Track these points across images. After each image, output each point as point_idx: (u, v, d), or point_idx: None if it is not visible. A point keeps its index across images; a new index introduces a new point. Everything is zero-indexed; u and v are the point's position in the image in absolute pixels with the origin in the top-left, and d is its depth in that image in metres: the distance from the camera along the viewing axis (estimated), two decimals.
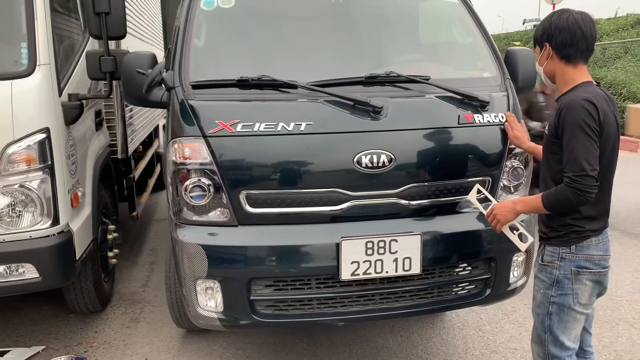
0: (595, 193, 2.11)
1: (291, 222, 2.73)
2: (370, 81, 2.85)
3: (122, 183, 4.97)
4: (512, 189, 3.03)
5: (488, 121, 2.91)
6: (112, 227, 4.31)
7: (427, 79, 2.90)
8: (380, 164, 2.68)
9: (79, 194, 3.55)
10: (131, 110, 4.96)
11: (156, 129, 7.27)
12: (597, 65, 14.76)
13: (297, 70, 2.93)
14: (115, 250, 4.37)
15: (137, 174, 5.43)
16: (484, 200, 2.69)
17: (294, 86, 2.75)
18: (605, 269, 2.30)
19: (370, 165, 2.67)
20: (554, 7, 23.63)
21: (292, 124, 2.66)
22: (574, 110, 2.11)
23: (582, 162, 2.07)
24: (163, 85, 2.84)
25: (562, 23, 2.22)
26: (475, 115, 2.89)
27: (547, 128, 2.28)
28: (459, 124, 2.85)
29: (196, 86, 2.78)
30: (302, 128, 2.66)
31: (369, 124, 2.72)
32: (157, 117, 7.23)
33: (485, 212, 2.53)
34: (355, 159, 2.66)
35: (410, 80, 2.88)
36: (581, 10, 2.27)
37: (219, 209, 2.69)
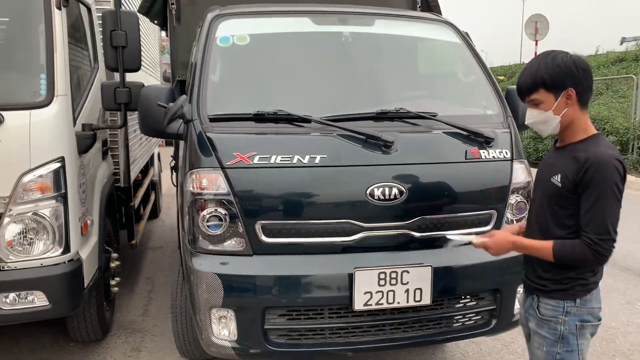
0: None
1: (305, 252, 2.80)
2: (381, 117, 2.97)
3: (122, 211, 5.01)
4: (515, 223, 3.14)
5: (493, 157, 3.03)
6: (114, 255, 4.34)
7: (435, 115, 3.03)
8: (391, 197, 2.78)
9: (89, 222, 3.60)
10: (132, 139, 5.04)
11: (152, 157, 7.35)
12: None
13: (309, 105, 3.05)
14: (117, 279, 4.39)
15: (136, 202, 5.48)
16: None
17: (308, 120, 2.86)
18: (600, 321, 2.20)
19: (382, 197, 2.77)
20: (536, 44, 24.32)
21: (307, 157, 2.76)
22: (606, 171, 1.98)
23: (609, 226, 1.99)
24: (181, 118, 2.93)
25: (584, 65, 2.07)
26: (481, 151, 3.01)
27: (558, 179, 2.10)
28: (466, 159, 2.97)
29: (214, 119, 2.87)
30: (317, 161, 2.76)
31: (381, 158, 2.83)
32: (153, 146, 7.31)
33: (473, 241, 2.39)
34: (368, 191, 2.76)
35: (419, 116, 3.00)
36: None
37: (234, 238, 2.76)
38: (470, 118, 3.19)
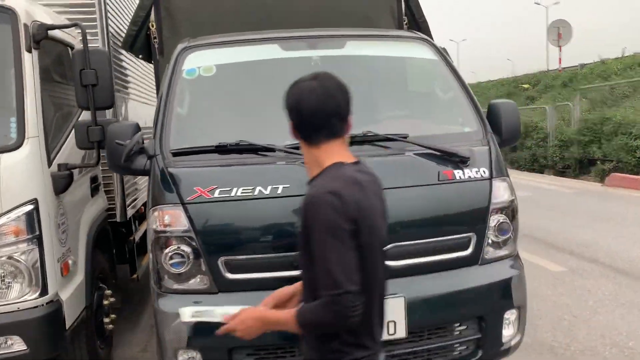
0: (361, 312, 1.62)
1: (272, 287, 2.68)
2: (348, 141, 2.85)
3: (123, 245, 4.99)
4: (500, 244, 2.97)
5: (469, 177, 2.88)
6: (108, 292, 4.30)
7: (405, 137, 2.90)
8: None
9: (70, 262, 3.56)
10: None
11: None
12: (606, 105, 14.73)
13: (275, 133, 2.96)
14: (112, 316, 4.34)
15: (138, 235, 5.45)
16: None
17: (271, 149, 2.77)
18: None
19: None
20: (560, 50, 23.85)
21: (269, 188, 2.67)
22: (315, 211, 1.64)
23: (338, 277, 1.58)
24: (144, 154, 2.88)
25: (315, 100, 1.85)
26: (456, 172, 2.87)
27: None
28: (439, 180, 2.84)
29: (177, 153, 2.81)
30: (279, 191, 2.67)
31: None
32: None
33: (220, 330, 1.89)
34: None
35: (388, 138, 2.88)
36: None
37: (198, 276, 2.67)
38: (446, 137, 3.06)
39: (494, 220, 2.92)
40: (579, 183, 12.93)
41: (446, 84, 3.37)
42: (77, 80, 3.38)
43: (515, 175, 14.07)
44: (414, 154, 2.88)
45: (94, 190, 4.26)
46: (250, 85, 3.23)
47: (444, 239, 2.82)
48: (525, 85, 24.38)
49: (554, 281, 5.77)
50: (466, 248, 2.86)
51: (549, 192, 11.66)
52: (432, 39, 4.57)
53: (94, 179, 4.26)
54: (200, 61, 3.22)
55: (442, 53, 3.45)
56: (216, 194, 2.66)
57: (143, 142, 2.78)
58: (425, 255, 2.79)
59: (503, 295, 2.89)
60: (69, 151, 3.72)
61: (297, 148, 2.74)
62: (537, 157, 15.21)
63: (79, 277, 3.72)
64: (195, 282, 2.68)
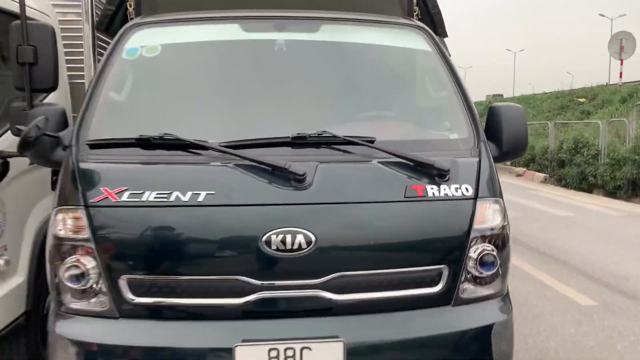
0: None
1: (183, 317, 2.18)
2: (298, 142, 2.32)
3: None
4: (485, 281, 2.37)
5: (445, 194, 2.30)
6: None
7: (372, 141, 2.34)
8: (295, 246, 2.12)
9: (2, 262, 3.15)
10: None
11: None
12: None
13: (217, 127, 2.47)
14: None
15: None
16: None
17: (202, 147, 2.27)
18: None
19: (282, 247, 2.11)
20: (621, 63, 22.50)
21: (188, 194, 2.16)
22: None
23: None
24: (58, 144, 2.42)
25: None
26: (429, 187, 2.29)
27: None
28: (405, 197, 2.26)
29: (94, 145, 2.34)
30: (200, 199, 2.16)
31: (287, 196, 2.19)
32: None
33: None
34: (264, 239, 2.11)
35: (348, 141, 2.32)
36: None
37: (99, 295, 2.19)
38: (427, 144, 2.48)
39: (476, 250, 2.32)
40: (629, 206, 11.86)
41: (438, 80, 2.78)
42: (13, 58, 2.96)
43: (560, 193, 13.31)
44: (379, 162, 2.32)
45: (55, 184, 3.85)
46: (198, 69, 2.73)
47: (406, 270, 2.25)
48: (581, 100, 23.09)
49: (580, 317, 5.02)
50: (435, 284, 2.28)
51: (593, 214, 10.70)
52: (444, 33, 3.97)
53: (55, 172, 3.85)
54: (147, 40, 2.75)
55: (438, 44, 2.86)
56: (124, 198, 2.17)
57: (44, 128, 2.32)
58: (380, 289, 2.23)
59: (480, 348, 2.29)
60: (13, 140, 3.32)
61: (236, 147, 2.24)
62: (586, 175, 14.15)
63: (17, 279, 3.31)
64: (93, 303, 2.20)
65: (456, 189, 2.32)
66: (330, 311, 2.19)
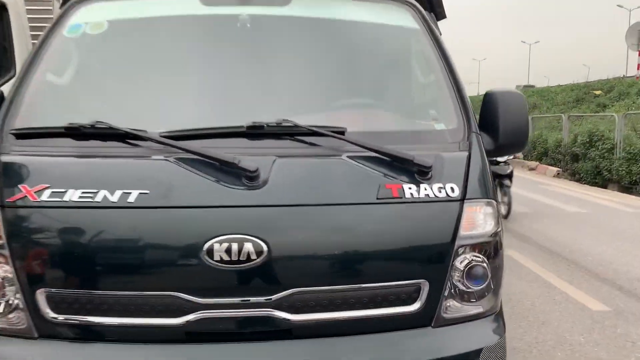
0: None
1: (113, 338, 1.85)
2: (254, 133, 1.97)
3: None
4: (473, 297, 2.00)
5: (426, 195, 1.93)
6: None
7: (342, 132, 1.98)
8: (243, 257, 1.77)
9: None
10: None
11: None
12: None
13: (172, 116, 2.13)
14: None
15: None
16: None
17: (139, 137, 1.92)
18: None
19: (226, 258, 1.76)
20: (639, 55, 21.81)
21: (117, 193, 1.82)
22: None
23: None
24: None
25: None
26: (407, 187, 1.93)
27: None
28: (377, 198, 1.90)
29: (20, 135, 2.01)
30: (130, 199, 1.81)
31: (235, 196, 1.84)
32: None
33: None
34: (205, 248, 1.76)
35: (313, 132, 1.97)
36: None
37: (15, 311, 1.86)
38: (408, 136, 2.12)
39: (462, 261, 1.96)
40: None
41: (425, 63, 2.41)
42: None
43: (573, 188, 12.83)
44: (349, 157, 1.96)
45: None
46: (148, 48, 2.38)
47: (377, 286, 1.89)
48: (597, 92, 22.46)
49: (591, 324, 4.63)
50: (412, 301, 1.93)
51: (607, 210, 10.23)
52: (442, 14, 3.59)
53: None
54: (93, 16, 2.40)
55: (427, 22, 2.48)
56: (44, 197, 1.84)
57: None
58: (346, 308, 1.87)
59: None
60: None
61: (179, 138, 1.89)
62: (601, 170, 13.64)
63: None
64: (11, 320, 1.87)
65: (439, 188, 1.96)
66: (287, 334, 1.84)
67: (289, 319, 1.82)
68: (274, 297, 1.81)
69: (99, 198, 1.82)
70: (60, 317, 1.83)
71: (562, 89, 27.32)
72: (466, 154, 2.08)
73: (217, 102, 2.18)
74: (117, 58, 2.35)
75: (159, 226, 1.82)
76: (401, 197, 1.91)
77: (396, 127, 2.22)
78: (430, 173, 1.97)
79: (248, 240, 1.77)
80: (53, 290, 1.82)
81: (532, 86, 44.84)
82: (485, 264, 1.98)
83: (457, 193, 1.97)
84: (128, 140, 1.95)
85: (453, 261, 1.95)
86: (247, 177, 1.85)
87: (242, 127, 1.96)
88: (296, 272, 1.83)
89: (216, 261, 1.76)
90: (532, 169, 16.66)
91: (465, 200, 1.99)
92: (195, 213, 1.82)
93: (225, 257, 1.76)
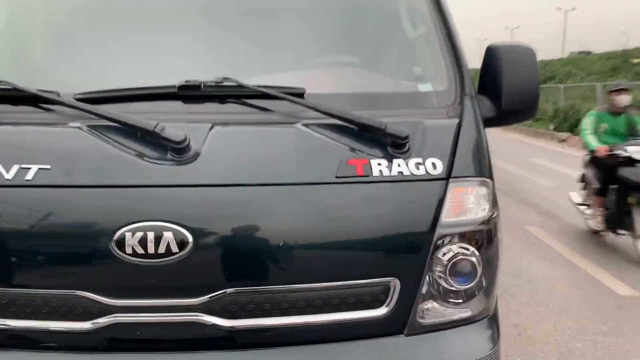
0: None
1: (13, 344, 1.52)
2: (189, 95, 1.59)
3: None
4: (459, 297, 1.61)
5: (399, 173, 1.54)
6: None
7: (300, 94, 1.59)
8: (161, 250, 1.41)
9: None
10: None
11: None
12: None
13: (93, 75, 1.76)
14: None
15: None
16: None
17: (47, 100, 1.57)
18: None
19: (140, 251, 1.40)
20: None
21: (14, 169, 1.47)
22: None
23: None
24: None
25: None
26: (375, 163, 1.54)
27: None
28: (337, 177, 1.51)
29: None
30: (28, 177, 1.46)
31: (155, 174, 1.47)
32: None
33: None
34: (115, 238, 1.41)
35: (263, 94, 1.58)
36: None
37: None
38: (383, 99, 1.71)
39: (445, 253, 1.57)
40: None
41: (412, 10, 1.98)
42: None
43: None
44: (305, 125, 1.57)
45: None
46: None
47: (333, 285, 1.51)
48: (636, 60, 21.32)
49: (616, 311, 4.19)
50: (378, 304, 1.55)
51: None
52: None
53: None
54: None
55: None
56: None
57: None
58: (293, 312, 1.50)
59: None
60: None
61: (94, 101, 1.53)
62: None
63: None
64: None
65: (417, 164, 1.56)
66: (219, 343, 1.49)
67: (221, 326, 1.46)
68: (201, 299, 1.45)
69: None
70: None
71: (599, 57, 26.11)
72: (456, 121, 1.67)
73: (149, 59, 1.80)
74: (31, 11, 1.97)
75: (61, 209, 1.47)
76: (367, 176, 1.52)
77: (369, 88, 1.81)
78: (407, 145, 1.57)
79: (168, 229, 1.41)
80: None
81: (589, 52, 42.32)
82: (475, 257, 1.59)
83: (440, 170, 1.57)
84: (37, 104, 1.60)
85: (433, 254, 1.56)
86: (173, 150, 1.48)
87: (173, 87, 1.58)
88: (230, 268, 1.46)
89: (128, 254, 1.41)
90: (562, 141, 15.90)
91: (450, 179, 1.58)
92: (104, 194, 1.46)
93: (139, 250, 1.40)
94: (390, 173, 1.53)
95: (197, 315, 1.46)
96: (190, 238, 1.41)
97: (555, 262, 5.28)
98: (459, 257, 1.57)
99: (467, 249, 1.59)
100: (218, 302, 1.45)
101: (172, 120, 1.53)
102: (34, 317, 1.47)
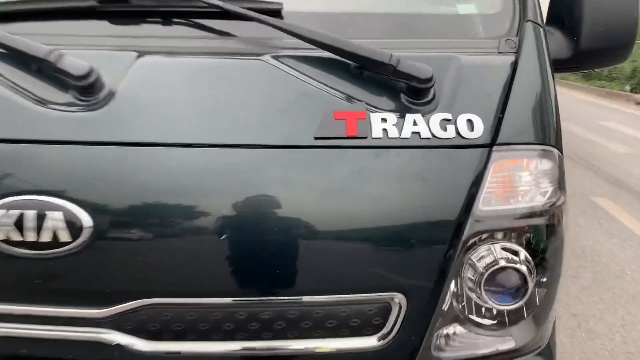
0: None
1: None
2: (116, 9, 1.09)
3: None
4: (500, 320, 1.08)
5: (413, 134, 1.01)
6: None
7: (276, 11, 1.07)
8: (46, 237, 0.94)
9: None
10: None
11: None
12: None
13: None
14: None
15: None
16: None
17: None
18: None
19: (16, 237, 0.94)
20: None
21: None
22: None
23: None
24: None
25: None
26: (376, 118, 1.01)
27: None
28: (315, 139, 0.99)
29: None
30: None
31: (43, 125, 0.99)
32: None
33: None
34: None
35: (218, 8, 1.06)
36: None
37: None
38: (402, 24, 1.17)
39: (482, 257, 1.04)
40: None
41: None
42: None
43: None
44: (276, 57, 1.05)
45: None
46: None
47: (298, 300, 1.01)
48: None
49: None
50: (373, 330, 1.04)
51: None
52: None
53: None
54: None
55: None
56: None
57: None
58: (241, 336, 1.02)
59: None
60: None
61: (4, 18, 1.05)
62: None
63: None
64: None
65: (444, 122, 1.02)
66: None
67: (134, 349, 0.99)
68: (107, 310, 0.98)
69: None
70: None
71: None
72: (510, 59, 1.10)
73: None
74: None
75: None
76: (362, 137, 0.99)
77: (377, 6, 1.24)
78: (429, 92, 1.03)
79: (56, 208, 0.93)
80: None
81: None
82: (525, 266, 1.04)
83: (479, 132, 1.03)
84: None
85: (461, 257, 1.03)
86: (75, 88, 0.99)
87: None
88: (149, 269, 0.97)
89: (1, 240, 0.94)
90: (639, 103, 14.57)
91: (495, 147, 1.03)
92: None
93: (14, 236, 0.94)
94: (399, 134, 1.00)
95: (102, 333, 0.99)
96: (88, 222, 0.94)
97: (626, 241, 4.59)
98: (501, 265, 1.04)
99: (516, 253, 1.05)
100: (130, 317, 0.98)
101: (93, 47, 1.05)
102: None
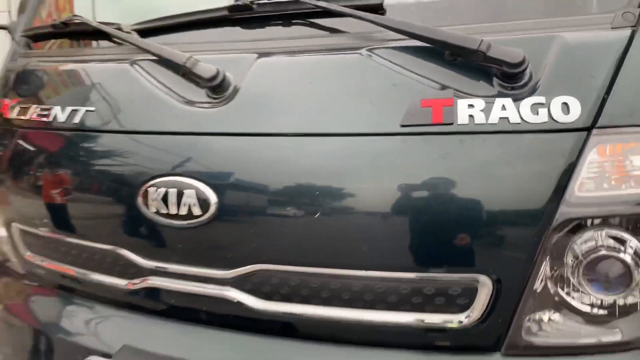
0: None
1: (73, 288, 1.44)
2: (241, 17, 1.24)
3: None
4: (606, 309, 1.01)
5: (503, 119, 0.98)
6: None
7: (377, 8, 1.12)
8: (183, 211, 1.13)
9: None
10: None
11: None
12: None
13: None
14: None
15: None
16: None
17: (106, 34, 1.38)
18: None
19: (163, 210, 1.14)
20: None
21: (67, 110, 1.34)
22: None
23: None
24: None
25: None
26: (462, 105, 1.00)
27: None
28: (402, 126, 1.02)
29: (30, 36, 1.66)
30: (75, 120, 1.31)
31: (182, 118, 1.18)
32: None
33: None
34: (141, 193, 1.17)
35: (323, 10, 1.13)
36: None
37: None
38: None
39: (583, 244, 0.97)
40: None
41: None
42: None
43: None
44: (372, 50, 1.09)
45: None
46: None
47: (388, 276, 1.05)
48: None
49: None
50: (460, 308, 1.04)
51: None
52: None
53: None
54: None
55: None
56: (14, 113, 1.46)
57: None
58: (338, 303, 1.09)
59: None
60: None
61: (146, 33, 1.31)
62: None
63: None
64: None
65: (536, 106, 0.97)
66: (251, 326, 1.17)
67: (250, 306, 1.14)
68: (230, 272, 1.14)
69: (52, 116, 1.36)
70: (36, 260, 1.48)
71: None
72: (625, 34, 0.99)
73: None
74: None
75: (97, 156, 1.28)
76: (448, 124, 0.99)
77: None
78: (523, 75, 0.98)
79: (189, 186, 1.11)
80: (24, 226, 1.47)
81: None
82: (630, 256, 0.96)
83: (575, 115, 0.95)
84: (100, 38, 1.43)
85: (557, 242, 0.98)
86: (209, 89, 1.16)
87: (223, 8, 1.23)
88: (261, 239, 1.11)
89: (152, 212, 1.16)
90: None
91: (595, 130, 0.96)
92: (138, 141, 1.22)
93: (162, 208, 1.14)
94: (486, 120, 0.98)
95: (226, 290, 1.15)
96: (213, 198, 1.10)
97: None
98: (601, 252, 0.96)
99: (622, 241, 0.97)
100: (246, 279, 1.13)
101: (222, 51, 1.20)
102: (87, 267, 1.35)
